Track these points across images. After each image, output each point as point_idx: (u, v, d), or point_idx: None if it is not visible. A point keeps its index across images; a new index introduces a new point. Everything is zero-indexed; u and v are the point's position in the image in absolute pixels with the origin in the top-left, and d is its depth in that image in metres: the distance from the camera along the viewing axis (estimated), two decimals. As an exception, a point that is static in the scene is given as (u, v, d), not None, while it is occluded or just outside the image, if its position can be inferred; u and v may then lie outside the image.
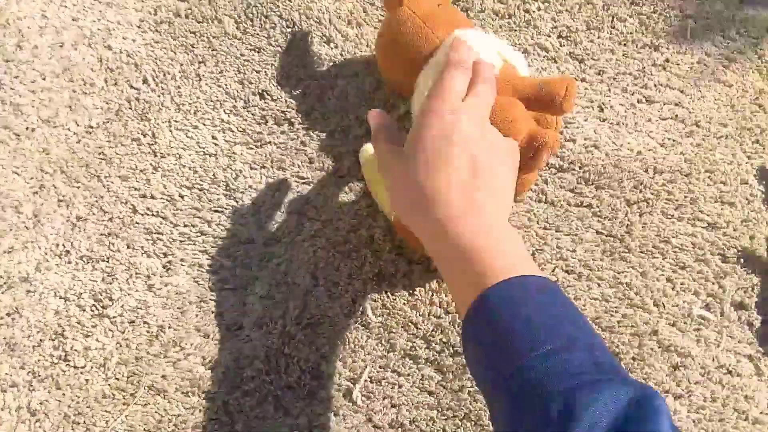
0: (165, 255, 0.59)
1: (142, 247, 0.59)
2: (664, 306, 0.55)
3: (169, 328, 0.56)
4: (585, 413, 0.31)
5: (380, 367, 0.54)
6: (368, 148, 0.53)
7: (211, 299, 0.57)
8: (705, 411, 0.51)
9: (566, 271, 0.57)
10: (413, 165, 0.43)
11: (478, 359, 0.38)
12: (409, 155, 0.44)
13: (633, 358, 0.53)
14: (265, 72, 0.67)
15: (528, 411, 0.33)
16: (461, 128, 0.43)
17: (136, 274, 0.58)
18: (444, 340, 0.54)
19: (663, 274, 0.56)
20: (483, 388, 0.38)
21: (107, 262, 0.59)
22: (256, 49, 0.68)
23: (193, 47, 0.67)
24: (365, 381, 0.53)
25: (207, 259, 0.59)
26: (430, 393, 0.53)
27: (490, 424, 0.39)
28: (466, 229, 0.40)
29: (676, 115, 0.66)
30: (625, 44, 0.71)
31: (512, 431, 0.34)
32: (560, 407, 0.32)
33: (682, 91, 0.68)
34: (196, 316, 0.57)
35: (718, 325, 0.54)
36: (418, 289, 0.56)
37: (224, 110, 0.65)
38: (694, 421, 0.51)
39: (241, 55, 0.67)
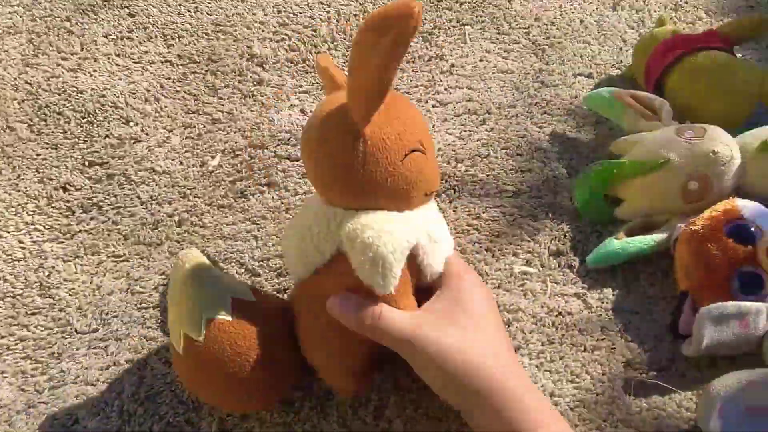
0: (-15, 373, 0.55)
1: (-41, 373, 0.55)
2: (487, 273, 0.56)
3: (0, 445, 0.51)
4: None
5: (227, 414, 0.51)
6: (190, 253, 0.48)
7: (40, 402, 0.53)
8: (545, 354, 0.52)
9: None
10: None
11: None
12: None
13: (465, 329, 0.53)
14: (66, 165, 0.66)
15: None
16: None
17: (-43, 402, 0.53)
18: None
19: (481, 246, 0.58)
20: None
21: None
22: (53, 146, 0.67)
23: (-15, 161, 0.66)
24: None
25: (31, 363, 0.55)
26: (286, 424, 0.50)
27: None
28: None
29: (469, 109, 0.70)
30: (413, 61, 0.76)
31: None
32: None
33: (470, 88, 0.72)
34: (26, 424, 0.52)
35: (540, 275, 0.56)
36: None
37: (27, 213, 0.63)
38: (537, 366, 0.51)
39: (38, 155, 0.66)
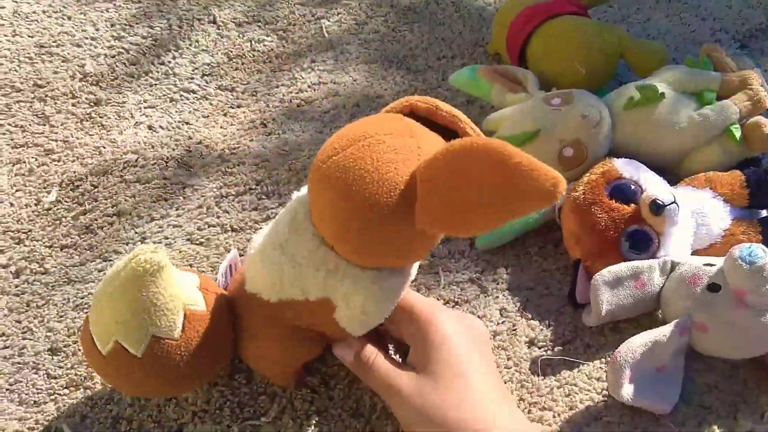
0: None
1: None
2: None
3: None
4: None
5: None
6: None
7: None
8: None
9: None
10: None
11: None
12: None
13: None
14: None
15: None
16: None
17: None
18: (163, 419, 0.45)
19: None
20: None
21: None
22: None
23: None
24: None
25: None
26: None
27: None
28: None
29: (336, 105, 0.66)
30: (269, 61, 0.71)
31: None
32: None
33: (334, 83, 0.68)
34: None
35: (432, 266, 0.53)
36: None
37: None
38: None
39: None
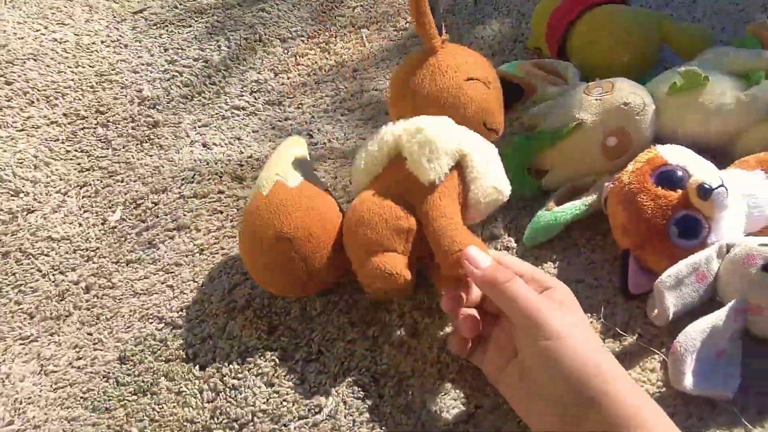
0: None
1: None
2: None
3: None
4: None
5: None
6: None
7: None
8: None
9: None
10: None
11: None
12: None
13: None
14: (-46, 252, 0.60)
15: None
16: None
17: None
18: (225, 419, 0.48)
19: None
20: None
21: None
22: (-62, 234, 0.61)
23: None
24: None
25: (-58, 477, 0.49)
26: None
27: None
28: None
29: (379, 110, 0.67)
30: (313, 73, 0.73)
31: None
32: None
33: (376, 89, 0.70)
34: None
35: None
36: (183, 383, 0.50)
37: None
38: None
39: None
